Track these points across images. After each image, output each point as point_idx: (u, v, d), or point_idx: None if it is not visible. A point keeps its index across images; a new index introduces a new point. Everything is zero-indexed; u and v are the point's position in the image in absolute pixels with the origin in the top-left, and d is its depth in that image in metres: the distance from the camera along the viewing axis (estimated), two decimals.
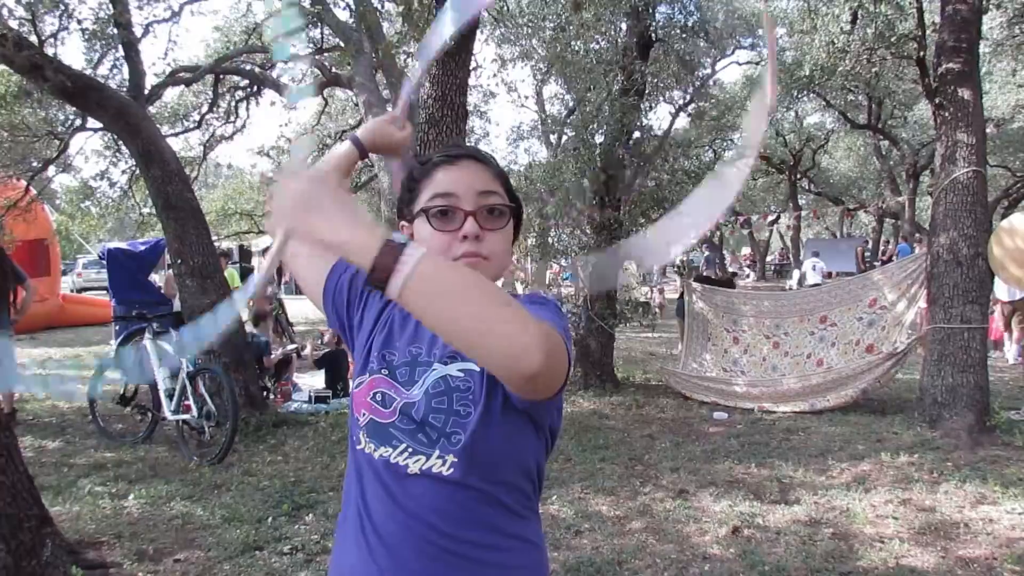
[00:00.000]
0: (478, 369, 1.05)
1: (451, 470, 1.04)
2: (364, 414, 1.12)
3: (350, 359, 7.41)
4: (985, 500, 4.13)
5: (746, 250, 34.33)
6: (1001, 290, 8.30)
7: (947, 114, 5.67)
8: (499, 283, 1.14)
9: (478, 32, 6.39)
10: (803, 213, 24.55)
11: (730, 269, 21.99)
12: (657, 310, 13.16)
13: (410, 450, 1.06)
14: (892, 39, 7.04)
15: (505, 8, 8.58)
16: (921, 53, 6.44)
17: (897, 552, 3.45)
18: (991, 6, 6.95)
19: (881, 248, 23.88)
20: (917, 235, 18.91)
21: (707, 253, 21.55)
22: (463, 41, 5.32)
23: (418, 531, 1.05)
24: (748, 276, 27.45)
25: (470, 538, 1.05)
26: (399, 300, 0.84)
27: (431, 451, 1.05)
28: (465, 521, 1.05)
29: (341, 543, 1.15)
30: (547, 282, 15.15)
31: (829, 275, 16.40)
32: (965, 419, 5.37)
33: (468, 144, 5.03)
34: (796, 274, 19.03)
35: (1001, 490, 4.23)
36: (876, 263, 19.94)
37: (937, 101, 5.76)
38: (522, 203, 1.21)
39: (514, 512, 1.09)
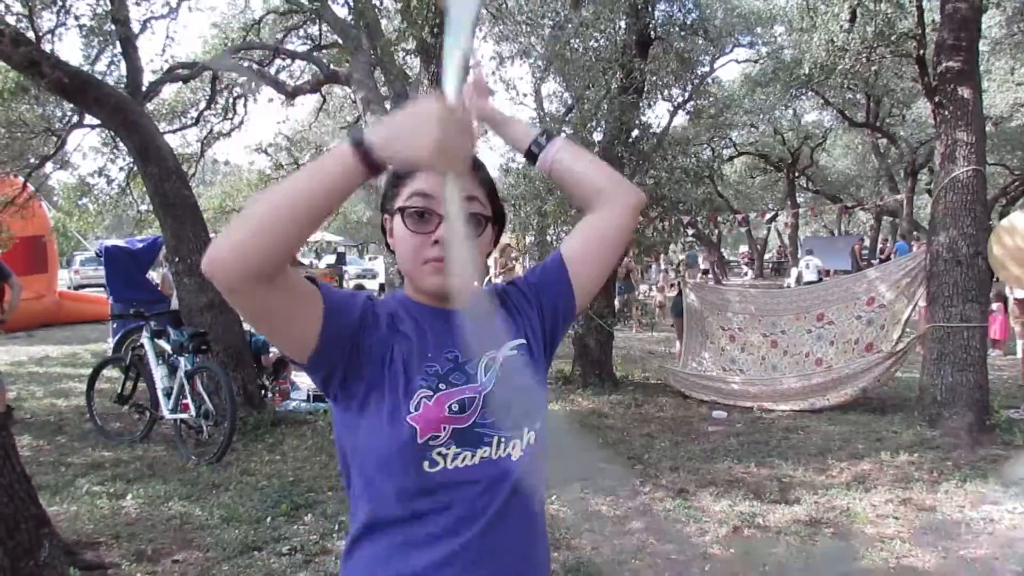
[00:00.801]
0: (524, 341, 1.16)
1: (538, 436, 1.12)
2: (445, 428, 1.05)
3: None
4: (986, 500, 4.12)
5: (743, 248, 34.34)
6: (1020, 290, 8.26)
7: (947, 112, 5.66)
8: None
9: (477, 29, 6.35)
10: (801, 211, 24.56)
11: (702, 266, 21.24)
12: (658, 309, 13.17)
13: (504, 439, 1.07)
14: (892, 37, 7.04)
15: (504, 5, 8.56)
16: (921, 51, 6.42)
17: (898, 552, 3.45)
18: (990, 4, 6.95)
19: (880, 246, 23.89)
20: (915, 233, 18.92)
21: (688, 252, 20.64)
22: None
23: (519, 509, 1.09)
24: (746, 274, 27.45)
25: (539, 505, 1.13)
26: (549, 162, 1.24)
27: (520, 430, 1.09)
28: (542, 485, 1.14)
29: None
30: None
31: (827, 273, 16.38)
32: (965, 418, 5.36)
33: None
34: (794, 272, 19.01)
35: (1001, 489, 4.23)
36: (875, 260, 19.94)
37: (937, 99, 5.75)
38: (504, 210, 1.23)
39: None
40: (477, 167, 1.16)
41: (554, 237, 8.55)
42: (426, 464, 1.03)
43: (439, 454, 1.03)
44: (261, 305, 0.95)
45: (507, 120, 1.28)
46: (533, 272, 1.25)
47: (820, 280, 13.41)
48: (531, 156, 1.24)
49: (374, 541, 1.07)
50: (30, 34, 6.03)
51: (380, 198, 1.21)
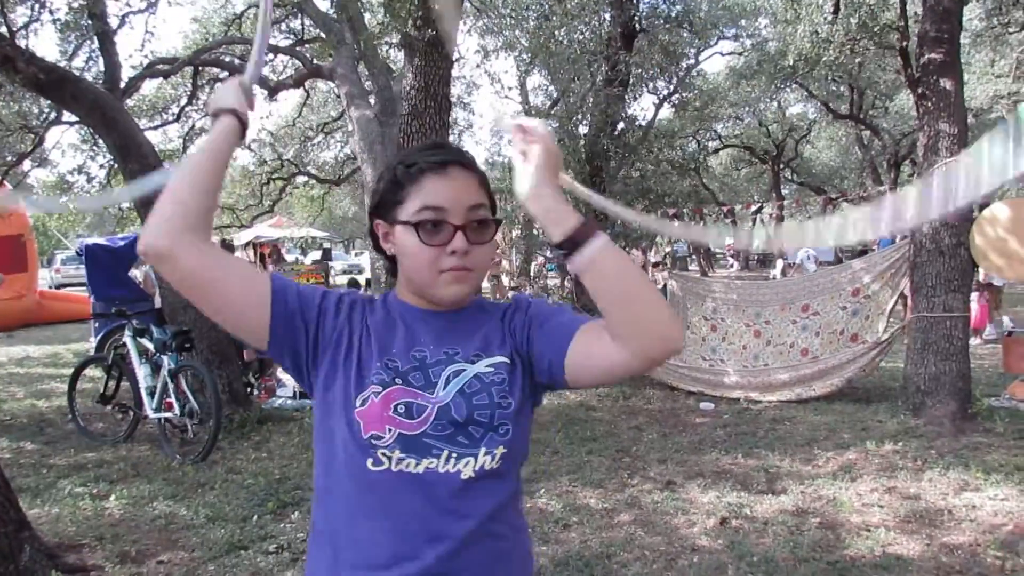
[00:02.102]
0: (507, 360, 1.10)
1: (499, 462, 1.06)
2: (390, 430, 1.03)
3: None
4: (968, 487, 4.17)
5: (729, 240, 34.49)
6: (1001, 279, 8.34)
7: (929, 104, 5.69)
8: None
9: (461, 23, 6.31)
10: (786, 203, 24.71)
11: (652, 259, 19.49)
12: None
13: (455, 455, 1.03)
14: (875, 29, 7.07)
15: None
16: (904, 43, 6.46)
17: (883, 540, 3.48)
18: None
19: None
20: None
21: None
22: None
23: (477, 537, 1.05)
24: (731, 266, 27.61)
25: (502, 532, 1.08)
26: (584, 267, 0.99)
27: (477, 449, 1.04)
28: (502, 515, 1.08)
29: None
30: (532, 274, 15.14)
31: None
32: (948, 407, 5.42)
33: (451, 143, 4.98)
34: (780, 264, 19.15)
35: (983, 477, 4.27)
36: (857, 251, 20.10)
37: (919, 91, 5.78)
38: (497, 205, 1.20)
39: (518, 499, 1.14)
40: (473, 167, 1.13)
41: (540, 231, 8.54)
42: (370, 462, 1.03)
43: (384, 455, 1.03)
44: (200, 279, 1.03)
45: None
46: (543, 308, 1.15)
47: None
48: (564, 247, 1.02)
49: (319, 547, 1.10)
50: (3, 29, 5.92)
51: (373, 200, 1.15)
